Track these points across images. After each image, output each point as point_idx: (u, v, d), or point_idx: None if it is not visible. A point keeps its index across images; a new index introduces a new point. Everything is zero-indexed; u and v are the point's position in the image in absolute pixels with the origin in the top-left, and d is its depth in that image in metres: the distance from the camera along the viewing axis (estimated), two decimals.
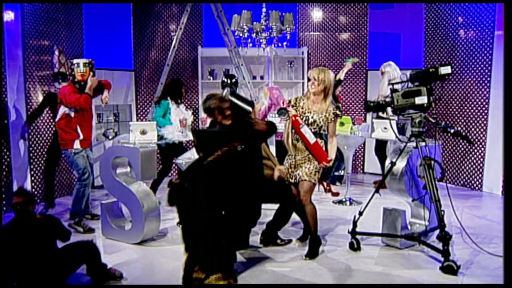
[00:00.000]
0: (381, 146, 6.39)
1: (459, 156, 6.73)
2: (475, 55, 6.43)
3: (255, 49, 6.34)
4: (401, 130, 5.13)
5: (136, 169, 4.21)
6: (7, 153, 5.27)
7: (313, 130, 3.83)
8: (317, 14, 7.77)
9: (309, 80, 3.91)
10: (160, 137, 4.70)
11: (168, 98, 5.49)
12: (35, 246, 3.13)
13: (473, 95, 6.49)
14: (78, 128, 4.60)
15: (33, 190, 5.63)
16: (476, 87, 6.44)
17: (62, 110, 4.59)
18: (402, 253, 4.01)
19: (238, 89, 6.29)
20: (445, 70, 3.71)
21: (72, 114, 4.58)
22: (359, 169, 7.92)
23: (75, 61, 4.65)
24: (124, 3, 7.23)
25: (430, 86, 3.78)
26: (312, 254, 3.90)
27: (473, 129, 6.50)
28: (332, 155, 3.84)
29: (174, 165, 5.98)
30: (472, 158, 6.54)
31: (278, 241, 4.19)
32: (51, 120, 5.75)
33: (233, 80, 6.12)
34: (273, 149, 5.19)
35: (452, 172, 6.82)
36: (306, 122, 3.84)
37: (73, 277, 3.34)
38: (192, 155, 4.87)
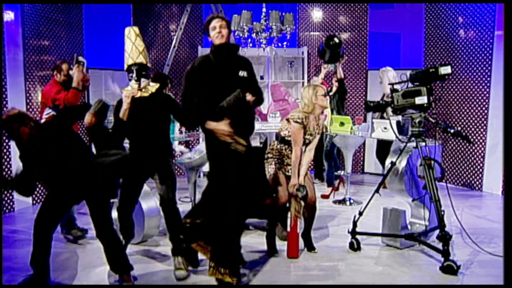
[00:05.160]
0: (383, 149, 6.34)
1: (459, 156, 6.73)
2: (475, 55, 6.43)
3: (255, 49, 6.35)
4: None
5: None
6: (8, 153, 5.27)
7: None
8: (317, 14, 7.77)
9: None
10: None
11: None
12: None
13: (473, 95, 6.49)
14: None
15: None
16: (476, 87, 6.44)
17: (47, 112, 4.23)
18: (402, 253, 4.01)
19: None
20: (445, 70, 3.71)
21: None
22: (359, 169, 7.93)
23: (80, 58, 4.33)
24: (124, 3, 7.24)
25: (430, 86, 3.78)
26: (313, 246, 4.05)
27: (473, 129, 6.50)
28: (301, 171, 3.88)
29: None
30: (472, 158, 6.54)
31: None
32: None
33: None
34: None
35: (452, 172, 6.82)
36: (306, 142, 3.93)
37: None
38: (192, 155, 4.88)
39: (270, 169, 3.93)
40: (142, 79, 3.48)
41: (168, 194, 3.58)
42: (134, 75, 3.48)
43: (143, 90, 3.48)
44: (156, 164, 3.58)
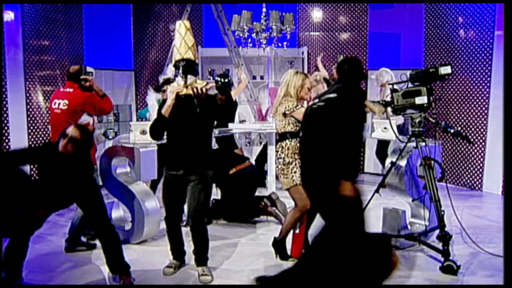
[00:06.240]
0: (383, 149, 6.35)
1: (459, 156, 6.73)
2: (475, 55, 6.43)
3: (255, 49, 6.34)
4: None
5: (136, 169, 4.21)
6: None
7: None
8: (317, 14, 7.77)
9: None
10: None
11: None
12: None
13: (473, 95, 6.49)
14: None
15: None
16: (476, 87, 6.44)
17: (85, 119, 4.00)
18: (402, 253, 4.00)
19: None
20: (445, 70, 3.71)
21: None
22: (359, 169, 7.92)
23: (89, 69, 4.25)
24: (124, 3, 7.24)
25: (430, 86, 3.78)
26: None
27: (473, 129, 6.50)
28: None
29: None
30: (472, 158, 6.54)
31: None
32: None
33: (225, 80, 5.88)
34: (272, 148, 5.19)
35: (452, 172, 6.82)
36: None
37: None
38: None
39: (295, 177, 3.53)
40: (189, 76, 3.28)
41: (196, 211, 3.35)
42: (180, 71, 3.30)
43: (189, 87, 3.25)
44: (192, 173, 3.33)
